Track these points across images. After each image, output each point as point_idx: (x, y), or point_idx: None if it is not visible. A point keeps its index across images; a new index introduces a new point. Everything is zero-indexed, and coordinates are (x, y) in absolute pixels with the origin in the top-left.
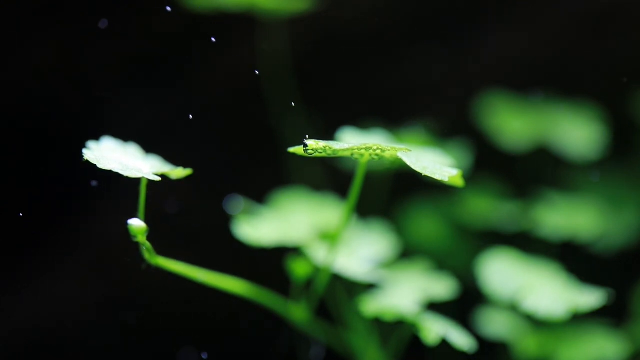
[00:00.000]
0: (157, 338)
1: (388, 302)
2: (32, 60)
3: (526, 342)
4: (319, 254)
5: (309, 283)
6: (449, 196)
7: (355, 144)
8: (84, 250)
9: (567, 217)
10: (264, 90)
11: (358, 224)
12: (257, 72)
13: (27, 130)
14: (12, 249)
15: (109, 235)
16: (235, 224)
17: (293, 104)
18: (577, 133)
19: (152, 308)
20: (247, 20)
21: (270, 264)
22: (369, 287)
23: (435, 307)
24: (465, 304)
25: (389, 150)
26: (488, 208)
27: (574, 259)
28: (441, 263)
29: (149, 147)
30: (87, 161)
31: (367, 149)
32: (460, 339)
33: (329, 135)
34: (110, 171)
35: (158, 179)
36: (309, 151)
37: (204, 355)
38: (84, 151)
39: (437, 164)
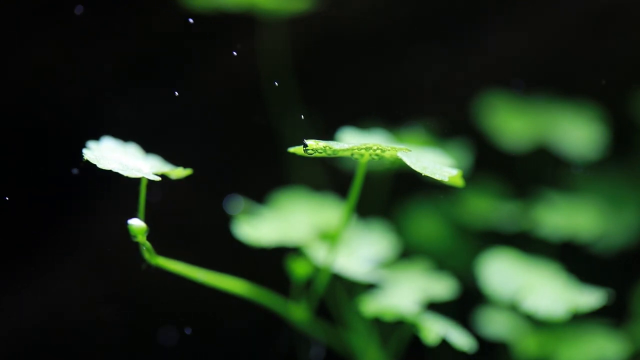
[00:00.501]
0: (157, 338)
1: (388, 302)
2: (32, 60)
3: (526, 342)
4: (319, 254)
5: (309, 283)
6: (449, 196)
7: (355, 144)
8: (84, 250)
9: (567, 217)
10: (264, 90)
11: (358, 224)
12: (256, 67)
13: (27, 130)
14: (12, 249)
15: (109, 235)
16: (235, 224)
17: (293, 102)
18: (577, 133)
19: (152, 308)
20: (247, 20)
21: (270, 264)
22: (369, 287)
23: (435, 307)
24: (465, 304)
25: (389, 150)
26: (488, 208)
27: (574, 259)
28: (441, 263)
29: (149, 147)
30: (87, 161)
31: (367, 149)
32: (460, 339)
33: (329, 135)
34: (110, 171)
35: (158, 179)
36: (309, 151)
37: (187, 331)
38: (84, 151)
39: (437, 164)
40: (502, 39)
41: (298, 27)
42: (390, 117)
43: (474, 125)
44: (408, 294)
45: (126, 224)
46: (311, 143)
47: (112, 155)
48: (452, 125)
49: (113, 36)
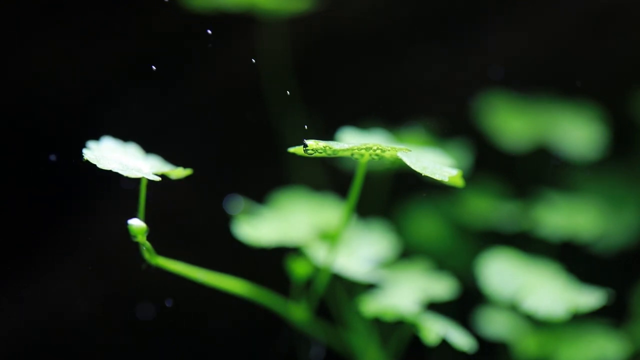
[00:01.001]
0: (156, 338)
1: (388, 302)
2: (32, 60)
3: (526, 342)
4: (319, 254)
5: (309, 283)
6: (449, 196)
7: (355, 144)
8: (84, 250)
9: (567, 217)
10: (264, 90)
11: (358, 224)
12: (254, 60)
13: (27, 130)
14: (12, 249)
15: (109, 235)
16: (235, 224)
17: (293, 102)
18: (577, 133)
19: (152, 308)
20: (247, 20)
21: (270, 264)
22: (369, 287)
23: (435, 307)
24: (465, 304)
25: (389, 150)
26: (488, 208)
27: (574, 259)
28: (441, 263)
29: (149, 147)
30: (87, 161)
31: (367, 149)
32: (460, 339)
33: (329, 135)
34: (110, 171)
35: (158, 179)
36: (309, 151)
37: (168, 303)
38: (84, 151)
39: (437, 164)
40: (502, 39)
41: (298, 27)
42: (390, 117)
43: (474, 125)
44: (408, 294)
45: (126, 224)
46: (311, 143)
47: (112, 155)
48: (452, 125)
49: (113, 36)
